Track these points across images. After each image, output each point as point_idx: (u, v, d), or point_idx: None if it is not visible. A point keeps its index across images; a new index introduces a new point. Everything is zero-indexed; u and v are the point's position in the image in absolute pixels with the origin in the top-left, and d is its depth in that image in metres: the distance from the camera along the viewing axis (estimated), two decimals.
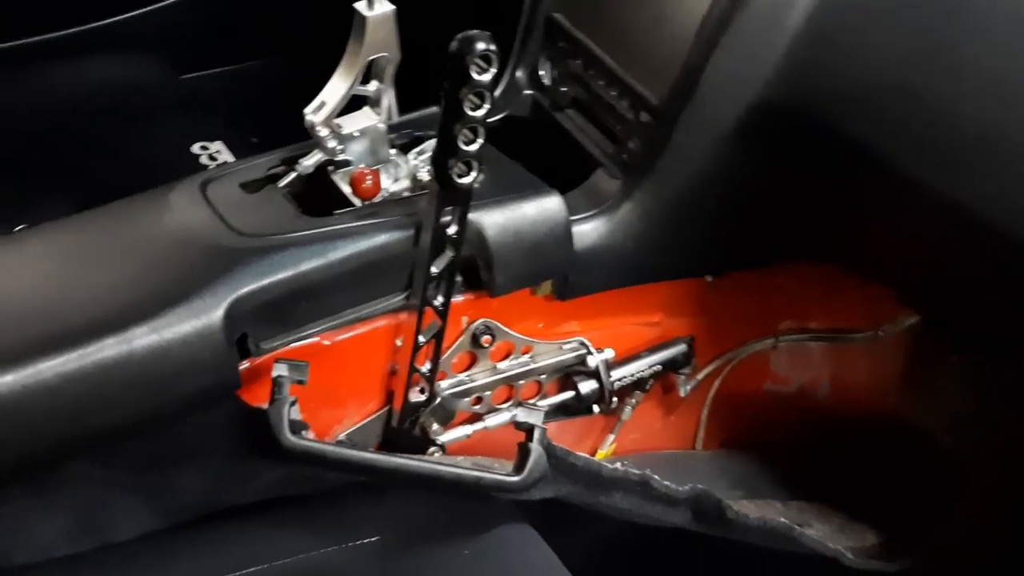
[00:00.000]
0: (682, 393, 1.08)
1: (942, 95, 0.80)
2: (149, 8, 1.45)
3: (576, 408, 0.99)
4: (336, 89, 0.83)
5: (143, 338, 0.75)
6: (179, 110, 1.45)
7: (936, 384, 1.14)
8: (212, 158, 1.37)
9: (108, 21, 1.44)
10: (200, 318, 0.77)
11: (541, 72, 1.04)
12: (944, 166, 0.81)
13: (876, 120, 0.84)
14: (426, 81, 0.88)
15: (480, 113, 0.74)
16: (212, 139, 1.40)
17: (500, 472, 0.84)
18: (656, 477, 0.91)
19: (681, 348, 1.03)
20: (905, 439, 1.15)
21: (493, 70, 0.72)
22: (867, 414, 1.17)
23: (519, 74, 1.05)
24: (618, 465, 0.91)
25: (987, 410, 1.10)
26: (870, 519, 1.07)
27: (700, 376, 1.09)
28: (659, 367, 1.02)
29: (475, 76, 0.72)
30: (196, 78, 1.52)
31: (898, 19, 0.83)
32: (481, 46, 0.71)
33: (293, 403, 0.78)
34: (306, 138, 0.88)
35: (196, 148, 1.38)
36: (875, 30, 0.84)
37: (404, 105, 0.96)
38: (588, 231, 0.91)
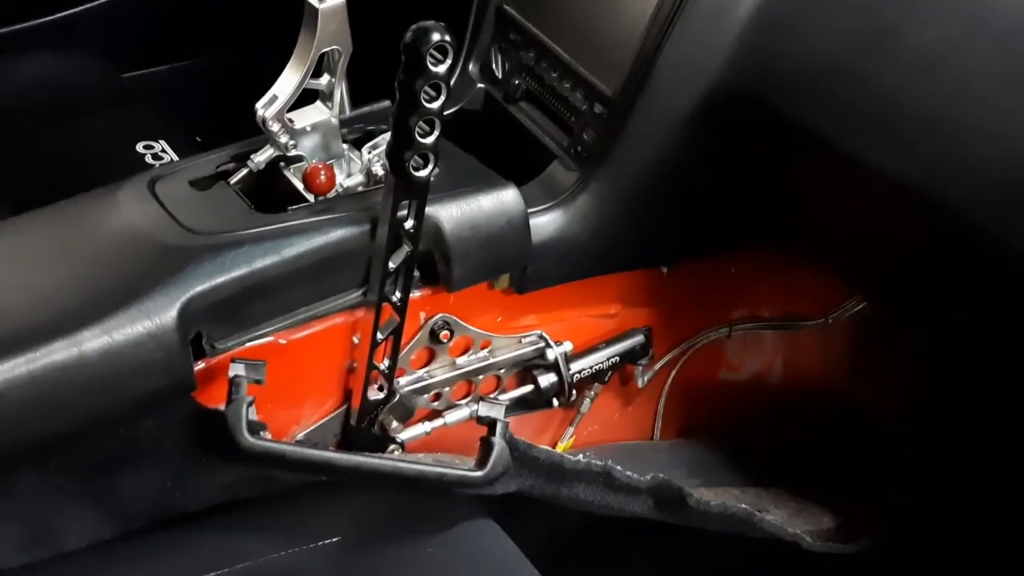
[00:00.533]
0: (640, 384, 1.09)
1: (883, 76, 0.82)
2: (88, 5, 1.42)
3: (536, 402, 0.99)
4: (287, 83, 0.82)
5: (93, 340, 0.73)
6: (121, 109, 1.42)
7: (885, 367, 1.17)
8: (156, 157, 1.35)
9: (47, 19, 1.41)
10: (152, 319, 0.75)
11: (493, 65, 1.04)
12: (889, 145, 0.83)
13: (824, 103, 0.85)
14: (376, 74, 0.88)
15: (436, 105, 0.73)
16: (155, 138, 1.37)
17: (463, 467, 0.84)
18: (618, 467, 0.92)
19: (638, 339, 1.03)
20: (857, 422, 1.17)
21: (449, 61, 0.72)
22: (819, 399, 1.19)
23: (471, 67, 1.05)
24: (580, 457, 0.92)
25: (934, 390, 1.13)
26: (826, 502, 1.09)
27: (657, 366, 1.10)
28: (617, 358, 1.02)
29: (431, 67, 0.71)
30: (138, 76, 1.49)
31: (843, 5, 0.85)
32: (436, 37, 0.71)
33: (251, 403, 0.77)
34: (250, 136, 0.87)
35: (140, 147, 1.35)
36: (821, 15, 0.85)
37: (355, 99, 0.95)
38: (545, 223, 0.91)
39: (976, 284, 0.85)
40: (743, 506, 0.98)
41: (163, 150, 1.36)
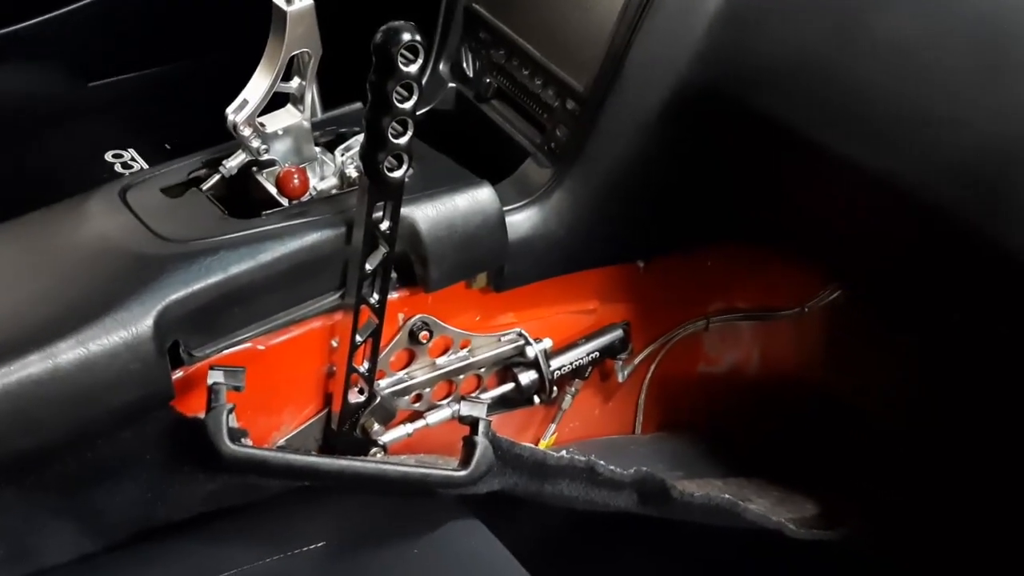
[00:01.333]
0: (620, 378, 1.09)
1: (854, 70, 0.83)
2: (51, 15, 1.40)
3: (517, 400, 0.99)
4: (258, 87, 0.82)
5: (69, 352, 0.73)
6: (89, 118, 1.41)
7: (861, 356, 1.18)
8: (126, 166, 1.34)
9: (9, 30, 1.39)
10: (128, 328, 0.74)
11: (464, 64, 1.04)
12: (860, 138, 0.83)
13: (793, 96, 0.86)
14: (347, 76, 0.87)
15: (408, 105, 0.73)
16: (124, 147, 1.36)
17: (446, 468, 0.83)
18: (601, 462, 0.92)
19: (617, 334, 1.03)
20: (835, 410, 1.18)
21: (420, 61, 0.72)
22: (797, 388, 1.20)
23: (442, 67, 1.04)
24: (563, 453, 0.92)
25: (909, 380, 1.14)
26: (808, 490, 1.10)
27: (637, 361, 1.10)
28: (597, 354, 1.02)
29: (402, 67, 0.71)
30: (104, 85, 1.47)
31: None
32: (407, 37, 0.70)
33: (231, 410, 0.76)
34: (219, 142, 0.86)
35: (109, 156, 1.34)
36: (790, 9, 0.86)
37: (326, 102, 0.94)
38: (521, 221, 0.91)
39: (951, 274, 0.86)
40: (726, 496, 0.99)
41: (132, 158, 1.35)
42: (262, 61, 0.82)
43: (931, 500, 1.11)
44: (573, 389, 1.05)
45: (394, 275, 0.85)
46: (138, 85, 1.49)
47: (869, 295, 1.11)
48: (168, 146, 1.37)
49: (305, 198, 0.85)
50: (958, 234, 0.80)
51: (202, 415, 0.77)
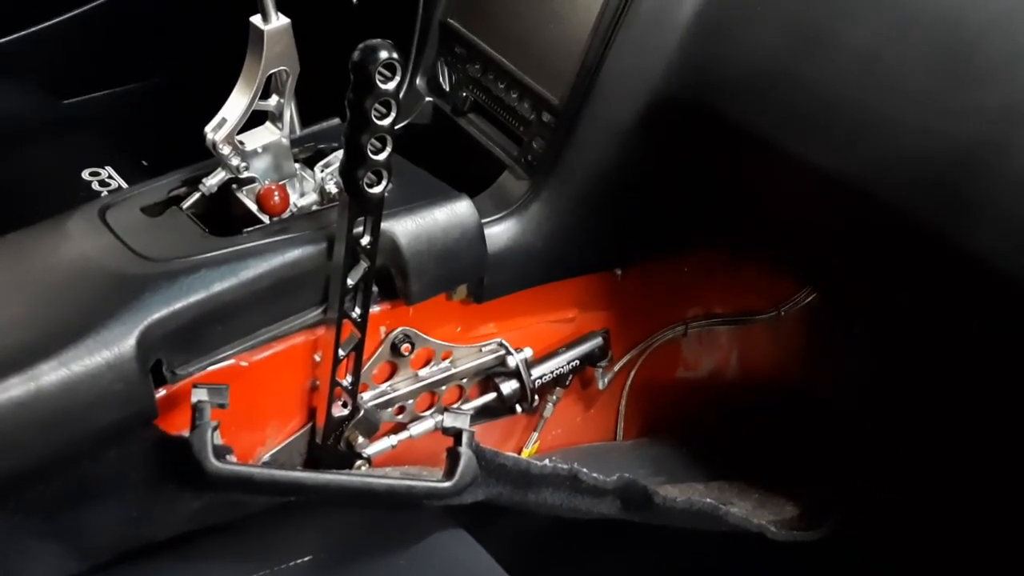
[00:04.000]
0: (600, 386, 1.10)
1: (819, 77, 0.85)
2: (24, 32, 1.39)
3: (499, 409, 1.00)
4: (236, 105, 0.82)
5: (51, 374, 0.73)
6: (64, 136, 1.40)
7: (836, 356, 1.19)
8: (103, 183, 1.33)
9: None
10: (111, 349, 0.74)
11: (440, 79, 1.05)
12: (826, 144, 0.85)
13: (764, 106, 0.88)
14: (324, 92, 0.88)
15: (387, 122, 0.74)
16: (101, 164, 1.36)
17: (431, 479, 0.84)
18: (584, 470, 0.93)
19: (597, 342, 1.04)
20: (813, 411, 1.19)
21: (397, 78, 0.72)
22: (775, 391, 1.21)
23: (418, 82, 1.05)
24: (546, 462, 0.93)
25: (884, 380, 1.16)
26: (788, 492, 1.11)
27: (617, 368, 1.11)
28: (577, 362, 1.03)
29: (380, 85, 0.72)
30: (79, 103, 1.47)
31: (778, 9, 0.87)
32: (384, 55, 0.71)
33: (215, 428, 0.77)
34: (197, 158, 0.86)
35: (86, 174, 1.34)
36: (758, 21, 0.87)
37: (304, 118, 0.95)
38: (499, 233, 0.91)
39: (921, 277, 0.88)
40: (708, 500, 1.00)
41: (110, 176, 1.34)
42: (240, 79, 0.82)
43: (912, 498, 1.13)
44: (554, 397, 1.06)
45: (375, 289, 0.86)
46: (114, 102, 1.48)
47: (843, 298, 1.12)
48: (145, 163, 1.37)
49: (286, 215, 0.86)
50: (926, 237, 0.82)
51: (186, 433, 0.77)
